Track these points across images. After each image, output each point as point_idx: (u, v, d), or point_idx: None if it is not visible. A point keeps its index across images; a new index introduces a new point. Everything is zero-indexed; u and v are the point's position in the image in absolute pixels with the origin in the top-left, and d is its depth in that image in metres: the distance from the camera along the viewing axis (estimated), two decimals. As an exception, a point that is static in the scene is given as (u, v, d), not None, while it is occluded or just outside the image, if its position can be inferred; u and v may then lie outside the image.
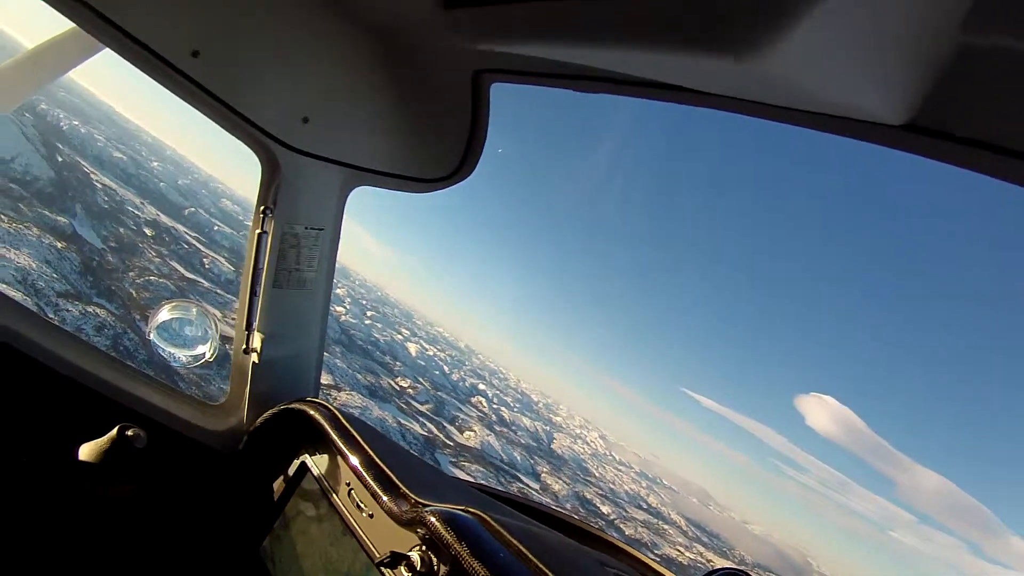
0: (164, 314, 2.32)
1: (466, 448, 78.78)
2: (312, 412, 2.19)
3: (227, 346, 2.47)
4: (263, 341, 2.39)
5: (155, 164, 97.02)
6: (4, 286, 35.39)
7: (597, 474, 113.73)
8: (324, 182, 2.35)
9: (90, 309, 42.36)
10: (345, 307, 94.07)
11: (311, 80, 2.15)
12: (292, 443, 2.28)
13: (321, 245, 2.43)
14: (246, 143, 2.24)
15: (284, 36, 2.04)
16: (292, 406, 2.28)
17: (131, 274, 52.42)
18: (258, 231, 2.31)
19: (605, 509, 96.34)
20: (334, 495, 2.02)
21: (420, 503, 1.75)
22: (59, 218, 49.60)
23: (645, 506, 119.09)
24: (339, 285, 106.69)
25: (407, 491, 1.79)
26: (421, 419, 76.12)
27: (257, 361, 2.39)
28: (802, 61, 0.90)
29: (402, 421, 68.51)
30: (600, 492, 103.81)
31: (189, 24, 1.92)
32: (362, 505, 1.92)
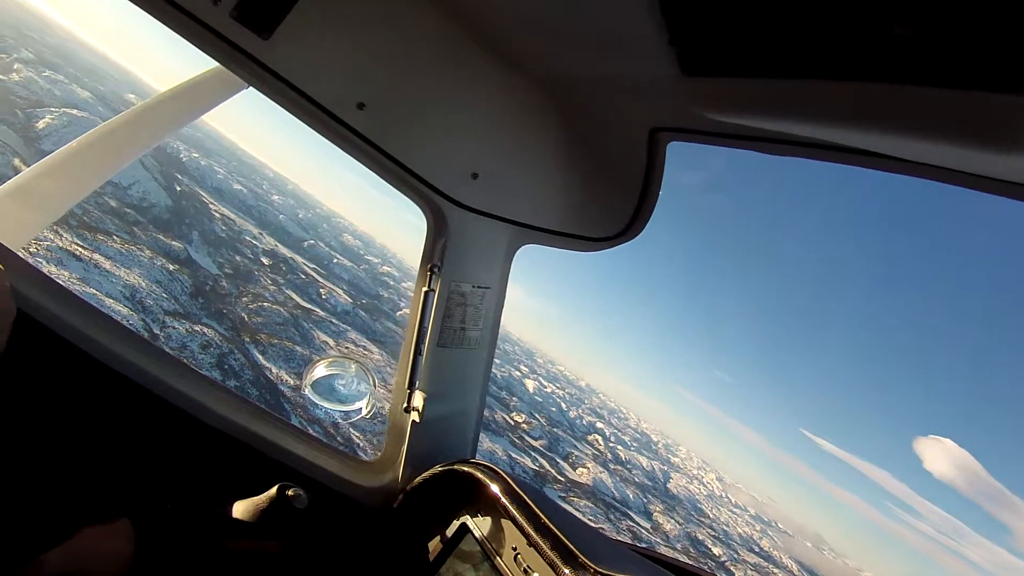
0: (321, 370, 2.31)
1: (577, 484, 76.01)
2: (480, 475, 2.10)
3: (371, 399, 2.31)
4: (424, 400, 2.35)
5: (276, 198, 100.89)
6: (111, 301, 36.38)
7: (711, 515, 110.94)
8: (492, 240, 2.33)
9: (197, 328, 42.12)
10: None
11: (480, 134, 2.16)
12: (451, 503, 2.22)
13: (487, 304, 2.40)
14: (412, 198, 2.23)
15: (453, 89, 2.08)
16: (457, 467, 2.19)
17: (244, 299, 52.43)
18: (424, 288, 2.30)
19: (716, 551, 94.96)
20: (498, 558, 1.98)
21: (601, 574, 1.72)
22: (174, 243, 50.34)
23: (757, 549, 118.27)
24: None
25: (586, 561, 1.74)
26: (533, 454, 73.89)
27: (418, 420, 2.34)
28: None
29: (513, 455, 66.24)
30: (713, 534, 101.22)
31: (355, 77, 1.98)
32: (530, 570, 1.89)
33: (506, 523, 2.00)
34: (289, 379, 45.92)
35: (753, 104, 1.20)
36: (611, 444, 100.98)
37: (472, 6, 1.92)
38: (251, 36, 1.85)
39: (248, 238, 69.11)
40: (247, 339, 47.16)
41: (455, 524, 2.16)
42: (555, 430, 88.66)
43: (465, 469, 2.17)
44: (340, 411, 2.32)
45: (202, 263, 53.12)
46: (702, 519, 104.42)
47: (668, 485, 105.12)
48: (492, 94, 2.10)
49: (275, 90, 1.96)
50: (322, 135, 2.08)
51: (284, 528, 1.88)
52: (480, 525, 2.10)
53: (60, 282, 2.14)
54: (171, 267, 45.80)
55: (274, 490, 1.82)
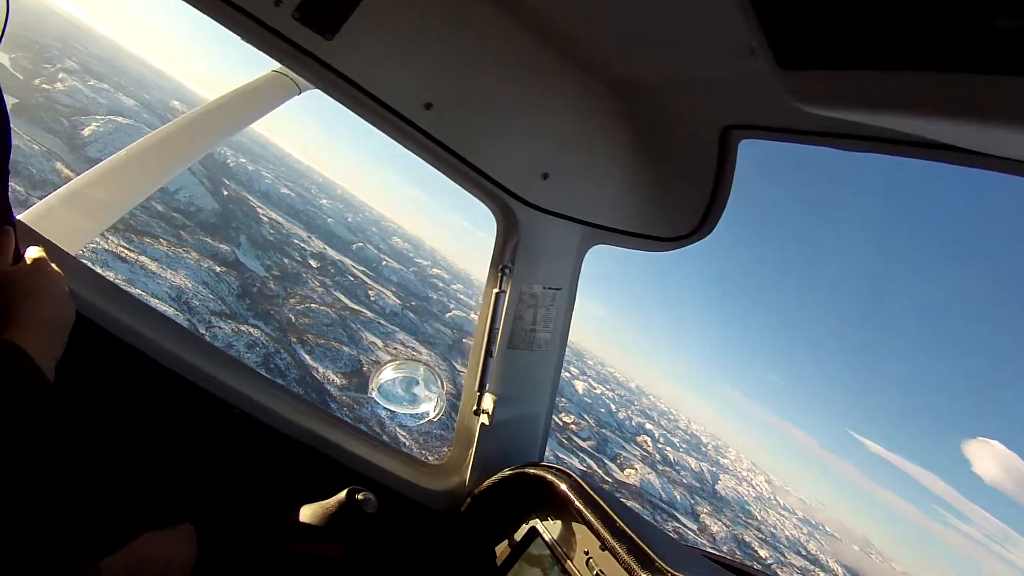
0: (388, 372, 2.34)
1: (624, 485, 74.84)
2: (552, 478, 2.08)
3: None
4: (494, 402, 2.35)
5: (324, 201, 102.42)
6: (156, 301, 36.96)
7: (759, 517, 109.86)
8: (562, 240, 2.33)
9: (243, 328, 42.01)
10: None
11: (550, 133, 2.15)
12: (520, 507, 2.22)
13: (557, 305, 2.39)
14: (481, 199, 2.24)
15: (522, 88, 2.07)
16: (528, 470, 2.18)
17: (291, 301, 52.42)
18: (495, 290, 2.30)
19: (763, 553, 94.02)
20: (568, 562, 1.97)
21: None
22: (221, 246, 50.57)
23: (804, 552, 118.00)
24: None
25: (664, 566, 1.73)
26: (581, 454, 72.86)
27: (487, 423, 2.34)
28: None
29: (561, 455, 64.77)
30: (760, 536, 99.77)
31: (422, 77, 1.99)
32: (602, 574, 1.86)
33: (578, 526, 1.99)
34: (336, 379, 45.80)
35: (856, 97, 1.12)
36: (660, 445, 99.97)
37: (544, 5, 1.89)
38: (314, 37, 1.86)
39: (296, 241, 69.53)
40: (294, 339, 47.07)
41: (524, 528, 2.15)
42: (604, 431, 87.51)
43: (536, 472, 2.15)
44: (408, 414, 2.34)
45: (250, 265, 53.36)
46: (749, 521, 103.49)
47: (716, 487, 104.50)
48: (561, 92, 2.09)
49: (340, 91, 1.97)
50: (389, 136, 2.09)
51: (351, 533, 1.83)
52: (550, 528, 2.09)
53: (118, 284, 2.14)
54: (218, 269, 45.96)
55: (343, 494, 1.78)
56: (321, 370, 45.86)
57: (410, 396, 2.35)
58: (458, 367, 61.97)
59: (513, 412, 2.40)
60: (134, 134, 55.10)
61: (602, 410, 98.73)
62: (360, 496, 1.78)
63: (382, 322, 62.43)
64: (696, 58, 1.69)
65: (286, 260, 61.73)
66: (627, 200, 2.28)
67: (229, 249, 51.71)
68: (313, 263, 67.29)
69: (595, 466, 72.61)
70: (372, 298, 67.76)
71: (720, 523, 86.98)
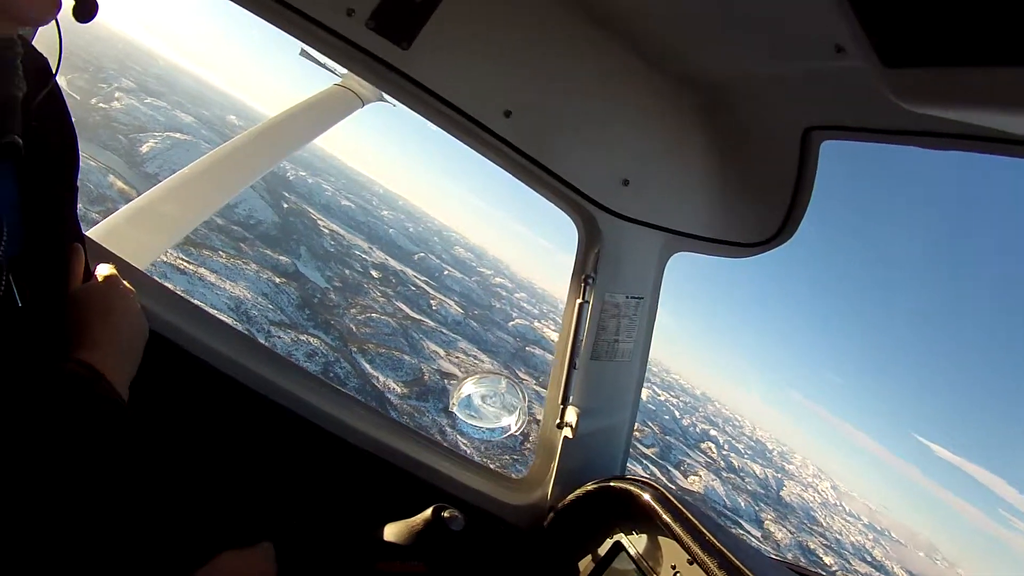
0: (469, 387, 2.34)
1: (688, 492, 70.98)
2: (637, 490, 2.02)
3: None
4: (577, 415, 2.28)
5: (385, 213, 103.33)
6: (215, 311, 37.05)
7: (824, 524, 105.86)
8: (644, 248, 2.29)
9: (303, 338, 42.28)
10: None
11: (630, 139, 2.13)
12: (604, 521, 2.15)
13: (640, 315, 2.35)
14: (562, 207, 2.22)
15: (601, 93, 2.06)
16: (613, 484, 2.14)
17: (352, 311, 52.45)
18: (579, 300, 2.25)
19: (828, 560, 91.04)
20: None
21: None
22: (281, 257, 50.81)
23: (869, 559, 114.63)
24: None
25: None
26: (644, 462, 70.63)
27: (571, 436, 2.26)
28: None
29: (625, 462, 62.29)
30: (825, 542, 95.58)
31: (500, 84, 1.99)
32: None
33: (664, 540, 1.93)
34: (396, 387, 45.53)
35: (962, 95, 1.12)
36: (724, 452, 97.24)
37: (620, 8, 1.89)
38: (390, 46, 1.86)
39: (357, 252, 69.52)
40: (354, 348, 46.93)
41: (608, 542, 2.09)
42: (667, 438, 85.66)
43: (621, 485, 2.10)
44: (490, 428, 2.32)
45: (310, 276, 53.47)
46: (814, 527, 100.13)
47: (781, 493, 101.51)
48: (640, 96, 2.08)
49: (417, 100, 1.97)
50: (468, 145, 2.10)
51: (436, 551, 1.84)
52: (635, 543, 2.03)
53: (192, 301, 2.13)
54: (277, 280, 46.02)
55: (429, 512, 1.80)
56: (382, 379, 45.74)
57: (492, 410, 2.33)
58: (521, 375, 61.33)
59: (596, 425, 2.32)
60: (192, 150, 57.04)
61: (666, 417, 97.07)
62: (446, 514, 1.76)
63: (444, 331, 62.04)
64: (779, 58, 1.69)
65: (347, 271, 61.82)
66: (707, 206, 2.23)
67: (289, 261, 51.93)
68: (374, 273, 67.41)
69: (659, 473, 70.04)
70: (434, 307, 67.45)
71: (784, 530, 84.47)
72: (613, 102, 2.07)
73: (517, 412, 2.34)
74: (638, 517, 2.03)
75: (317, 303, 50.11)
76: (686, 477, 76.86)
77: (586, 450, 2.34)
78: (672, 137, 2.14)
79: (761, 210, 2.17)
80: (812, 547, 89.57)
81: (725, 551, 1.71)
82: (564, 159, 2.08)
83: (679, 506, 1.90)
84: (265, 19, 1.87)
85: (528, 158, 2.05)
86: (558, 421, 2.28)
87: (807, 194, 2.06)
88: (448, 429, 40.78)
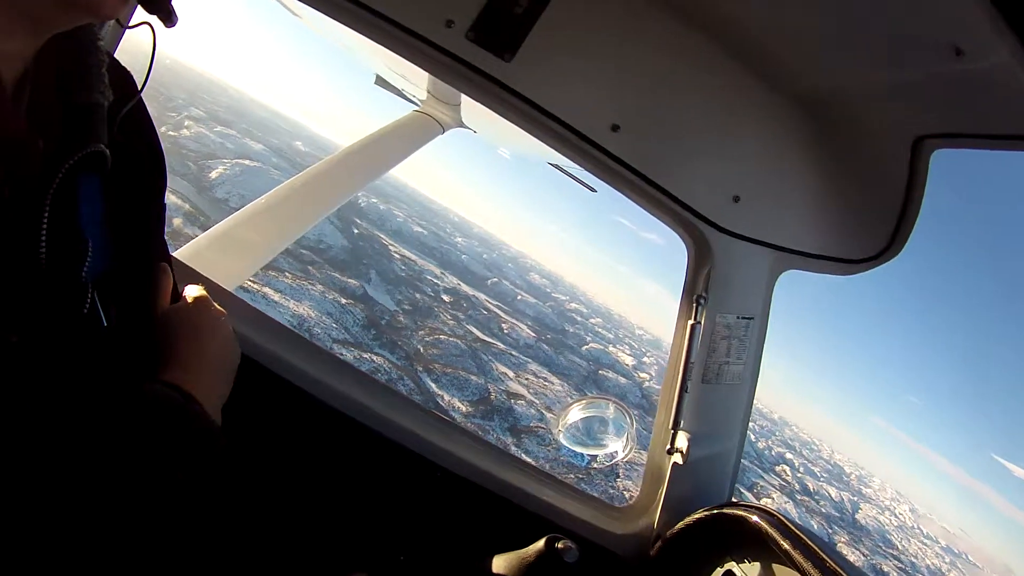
0: (576, 412, 2.29)
1: None
2: (753, 517, 1.94)
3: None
4: (688, 441, 2.22)
5: (459, 239, 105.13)
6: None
7: (900, 547, 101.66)
8: (755, 267, 2.23)
9: (366, 356, 42.43)
10: (650, 373, 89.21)
11: (740, 153, 2.10)
12: (714, 549, 2.08)
13: (750, 335, 2.28)
14: (670, 224, 2.17)
15: (710, 106, 2.04)
16: (726, 511, 2.04)
17: (420, 332, 52.40)
18: (690, 322, 2.19)
19: None
20: None
21: None
22: (350, 280, 51.19)
23: None
24: (646, 354, 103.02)
25: None
26: None
27: (681, 462, 2.20)
28: None
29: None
30: (900, 566, 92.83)
31: (607, 97, 1.95)
32: None
33: (779, 568, 1.86)
34: (461, 406, 45.13)
35: None
36: (799, 475, 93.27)
37: (730, 21, 1.87)
38: (491, 58, 1.83)
39: (429, 277, 69.68)
40: (420, 368, 46.91)
41: (719, 572, 2.02)
42: (742, 461, 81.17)
43: (734, 512, 2.01)
44: (595, 453, 2.30)
45: (379, 299, 53.49)
46: (889, 550, 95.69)
47: (856, 516, 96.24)
48: (749, 109, 2.05)
49: (521, 114, 1.94)
50: (572, 160, 2.06)
51: None
52: (747, 571, 1.97)
53: (283, 324, 2.11)
54: (343, 301, 46.26)
55: (542, 543, 1.73)
56: (447, 397, 45.44)
57: (597, 436, 2.28)
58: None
59: (706, 450, 2.24)
60: (262, 176, 58.76)
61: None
62: (560, 545, 1.70)
63: (514, 353, 61.43)
64: (890, 65, 1.65)
65: (417, 295, 61.92)
66: (816, 221, 2.19)
67: (358, 283, 52.15)
68: (446, 298, 67.59)
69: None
70: (505, 331, 66.95)
71: (857, 552, 79.68)
72: (723, 116, 2.03)
73: (625, 437, 2.29)
74: (751, 544, 1.94)
75: (385, 324, 50.33)
76: (759, 499, 72.24)
77: (695, 476, 2.25)
78: (782, 150, 2.08)
79: (869, 225, 2.10)
80: (886, 570, 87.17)
81: None
82: (674, 175, 2.02)
83: (798, 532, 1.81)
84: (361, 32, 1.84)
85: (637, 173, 1.99)
86: (668, 447, 2.21)
87: (916, 206, 1.98)
88: (512, 448, 40.30)
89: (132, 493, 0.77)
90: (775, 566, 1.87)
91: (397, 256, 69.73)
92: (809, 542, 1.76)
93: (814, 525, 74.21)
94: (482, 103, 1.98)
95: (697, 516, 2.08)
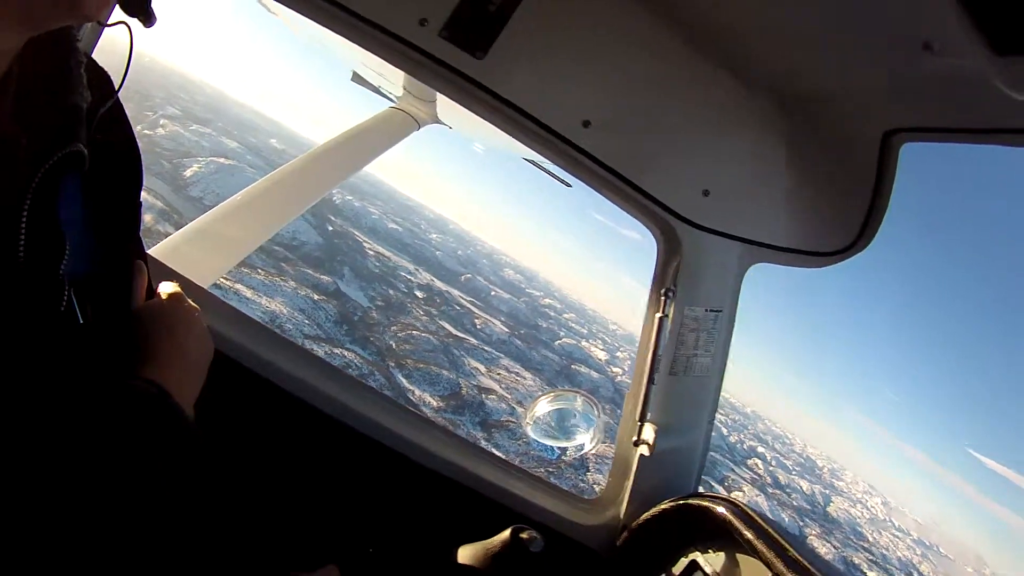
0: (544, 405, 2.30)
1: None
2: (717, 507, 1.95)
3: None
4: (655, 432, 2.26)
5: (434, 236, 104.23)
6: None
7: (871, 539, 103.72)
8: (724, 260, 2.25)
9: (337, 351, 42.50)
10: (623, 368, 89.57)
11: (710, 148, 2.13)
12: (679, 539, 2.11)
13: (718, 328, 2.31)
14: (640, 218, 2.20)
15: (680, 102, 2.06)
16: (691, 501, 2.08)
17: (393, 328, 52.43)
18: (658, 315, 2.23)
19: (871, 575, 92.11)
20: None
21: None
22: (323, 277, 51.05)
23: (916, 574, 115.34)
24: (619, 348, 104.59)
25: None
26: None
27: (648, 454, 2.24)
28: None
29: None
30: (871, 558, 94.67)
31: (578, 94, 1.98)
32: None
33: (743, 558, 1.88)
34: (432, 401, 45.26)
35: None
36: (771, 468, 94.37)
37: (701, 17, 1.89)
38: (464, 56, 1.85)
39: (403, 273, 69.59)
40: (391, 363, 46.79)
41: (683, 561, 2.04)
42: (712, 454, 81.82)
43: (699, 502, 2.05)
44: (562, 446, 2.31)
45: (352, 296, 53.56)
46: (861, 543, 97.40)
47: (828, 509, 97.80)
48: (719, 105, 2.06)
49: (494, 111, 1.95)
50: (544, 156, 2.08)
51: (515, 574, 1.81)
52: (712, 561, 1.98)
53: (257, 319, 2.15)
54: (315, 297, 46.34)
55: (507, 533, 1.75)
56: (418, 392, 45.42)
57: (566, 428, 2.30)
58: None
59: (672, 442, 2.29)
60: (237, 174, 58.13)
61: (713, 435, 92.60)
62: (525, 535, 1.73)
63: (487, 348, 61.43)
64: (859, 60, 1.66)
65: (391, 291, 61.53)
66: (785, 215, 2.22)
67: (331, 280, 52.09)
68: (419, 294, 66.94)
69: (701, 489, 67.54)
70: (478, 326, 66.88)
71: (828, 545, 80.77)
72: (693, 112, 2.06)
73: (593, 429, 2.29)
74: (715, 534, 1.98)
75: (357, 320, 49.89)
76: (729, 493, 72.75)
77: (662, 468, 2.30)
78: (751, 146, 2.12)
79: (838, 218, 2.14)
80: (857, 562, 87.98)
81: (810, 568, 1.68)
82: (644, 170, 2.06)
83: (760, 522, 1.85)
84: (337, 31, 1.86)
85: (607, 169, 2.03)
86: (635, 438, 2.25)
87: (886, 200, 2.02)
88: (483, 442, 40.79)
89: (111, 488, 0.77)
90: (739, 556, 1.89)
91: (371, 253, 69.47)
92: (772, 532, 1.79)
93: (785, 518, 75.85)
94: (456, 101, 2.00)
95: (663, 507, 2.12)
